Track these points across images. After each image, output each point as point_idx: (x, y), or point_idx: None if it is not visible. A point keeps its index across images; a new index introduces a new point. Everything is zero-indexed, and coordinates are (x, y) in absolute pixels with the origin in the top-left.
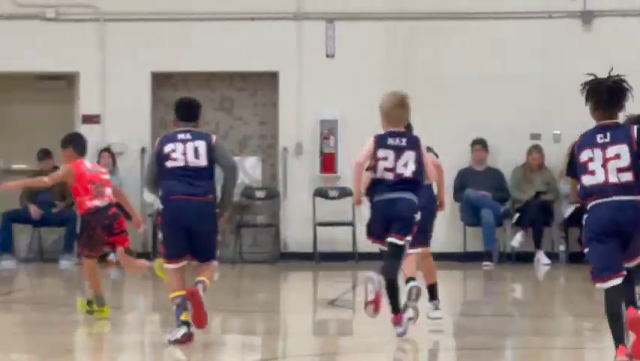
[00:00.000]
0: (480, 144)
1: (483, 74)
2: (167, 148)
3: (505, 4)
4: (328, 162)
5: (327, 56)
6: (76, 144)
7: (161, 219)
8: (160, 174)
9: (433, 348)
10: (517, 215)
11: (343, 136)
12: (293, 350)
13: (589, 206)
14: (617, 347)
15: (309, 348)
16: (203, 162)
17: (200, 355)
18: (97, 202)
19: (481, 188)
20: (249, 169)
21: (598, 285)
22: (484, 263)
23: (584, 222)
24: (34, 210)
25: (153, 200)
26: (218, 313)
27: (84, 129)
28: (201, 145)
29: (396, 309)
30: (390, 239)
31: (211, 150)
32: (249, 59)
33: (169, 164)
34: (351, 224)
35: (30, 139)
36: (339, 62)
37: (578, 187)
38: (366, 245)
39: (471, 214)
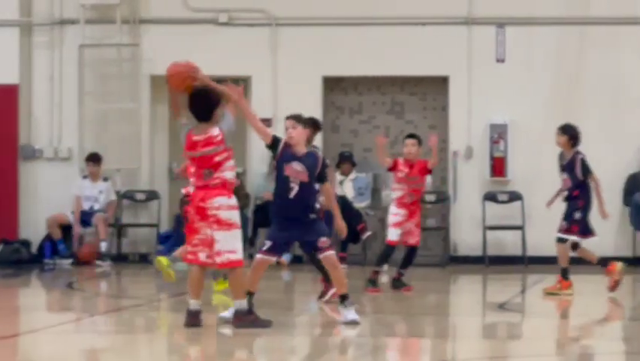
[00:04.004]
0: None
1: None
2: None
3: None
4: (498, 166)
5: (498, 60)
6: None
7: None
8: None
9: (603, 353)
10: None
11: (513, 140)
12: (462, 354)
13: None
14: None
15: (479, 351)
16: None
17: (369, 357)
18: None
19: None
20: None
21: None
22: None
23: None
24: None
25: None
26: (388, 315)
27: None
28: None
29: None
30: None
31: None
32: (420, 63)
33: None
34: (521, 228)
35: None
36: (509, 67)
37: None
38: (535, 249)
39: None
